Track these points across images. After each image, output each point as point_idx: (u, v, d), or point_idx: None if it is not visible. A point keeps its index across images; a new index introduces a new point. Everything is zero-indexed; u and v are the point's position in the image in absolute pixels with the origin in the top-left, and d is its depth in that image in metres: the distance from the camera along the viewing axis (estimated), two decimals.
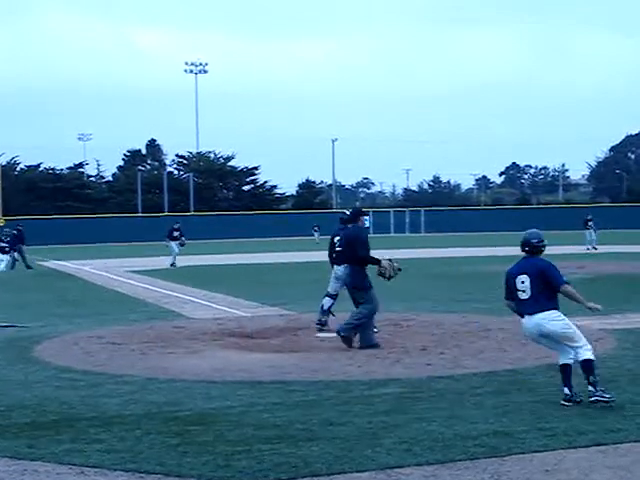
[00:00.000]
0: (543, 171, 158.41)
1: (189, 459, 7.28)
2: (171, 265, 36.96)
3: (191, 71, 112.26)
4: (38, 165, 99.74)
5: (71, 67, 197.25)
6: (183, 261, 37.99)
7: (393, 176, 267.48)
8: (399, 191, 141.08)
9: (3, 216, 74.46)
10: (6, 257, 37.63)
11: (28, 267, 37.70)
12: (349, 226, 14.26)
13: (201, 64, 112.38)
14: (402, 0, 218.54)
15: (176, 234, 38.27)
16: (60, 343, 14.47)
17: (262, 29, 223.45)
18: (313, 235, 62.94)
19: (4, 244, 37.82)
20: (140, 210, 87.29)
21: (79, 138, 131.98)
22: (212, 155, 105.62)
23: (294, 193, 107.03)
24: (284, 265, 36.76)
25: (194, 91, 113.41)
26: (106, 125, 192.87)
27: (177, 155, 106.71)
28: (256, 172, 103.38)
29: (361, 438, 7.85)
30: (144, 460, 7.28)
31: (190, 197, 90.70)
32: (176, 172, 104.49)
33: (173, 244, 37.99)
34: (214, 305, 20.54)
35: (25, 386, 10.67)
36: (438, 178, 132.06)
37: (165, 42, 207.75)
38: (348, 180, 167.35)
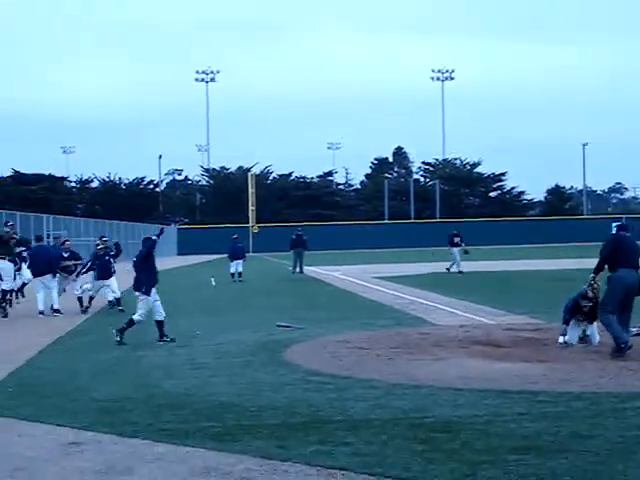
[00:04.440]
0: None
1: (434, 466, 7.25)
2: (459, 272, 36.76)
3: (438, 78, 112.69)
4: (289, 174, 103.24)
5: (323, 78, 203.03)
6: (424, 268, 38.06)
7: None
8: None
9: (256, 223, 77.49)
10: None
11: (299, 272, 38.50)
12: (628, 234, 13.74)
13: (447, 71, 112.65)
14: None
15: (456, 240, 38.45)
16: (309, 347, 14.84)
17: (513, 32, 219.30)
18: None
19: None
20: (387, 217, 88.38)
21: (329, 147, 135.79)
22: (458, 162, 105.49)
23: (542, 199, 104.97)
24: (532, 273, 36.05)
25: (440, 98, 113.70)
26: (354, 134, 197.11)
27: (423, 162, 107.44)
28: (503, 178, 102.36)
29: (612, 452, 7.55)
30: (390, 465, 7.31)
31: (436, 204, 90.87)
32: (422, 179, 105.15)
33: (455, 250, 38.00)
34: (459, 312, 20.43)
35: (276, 388, 11.00)
36: None
37: (410, 48, 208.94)
38: (600, 185, 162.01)
